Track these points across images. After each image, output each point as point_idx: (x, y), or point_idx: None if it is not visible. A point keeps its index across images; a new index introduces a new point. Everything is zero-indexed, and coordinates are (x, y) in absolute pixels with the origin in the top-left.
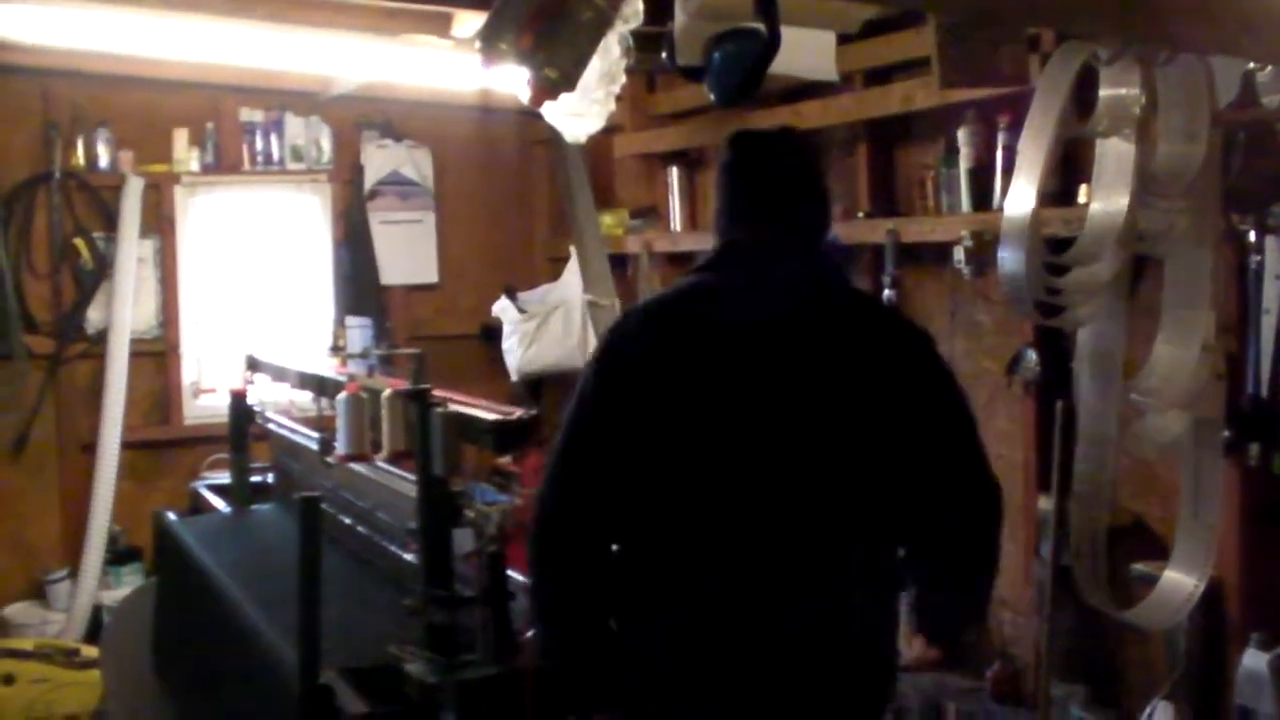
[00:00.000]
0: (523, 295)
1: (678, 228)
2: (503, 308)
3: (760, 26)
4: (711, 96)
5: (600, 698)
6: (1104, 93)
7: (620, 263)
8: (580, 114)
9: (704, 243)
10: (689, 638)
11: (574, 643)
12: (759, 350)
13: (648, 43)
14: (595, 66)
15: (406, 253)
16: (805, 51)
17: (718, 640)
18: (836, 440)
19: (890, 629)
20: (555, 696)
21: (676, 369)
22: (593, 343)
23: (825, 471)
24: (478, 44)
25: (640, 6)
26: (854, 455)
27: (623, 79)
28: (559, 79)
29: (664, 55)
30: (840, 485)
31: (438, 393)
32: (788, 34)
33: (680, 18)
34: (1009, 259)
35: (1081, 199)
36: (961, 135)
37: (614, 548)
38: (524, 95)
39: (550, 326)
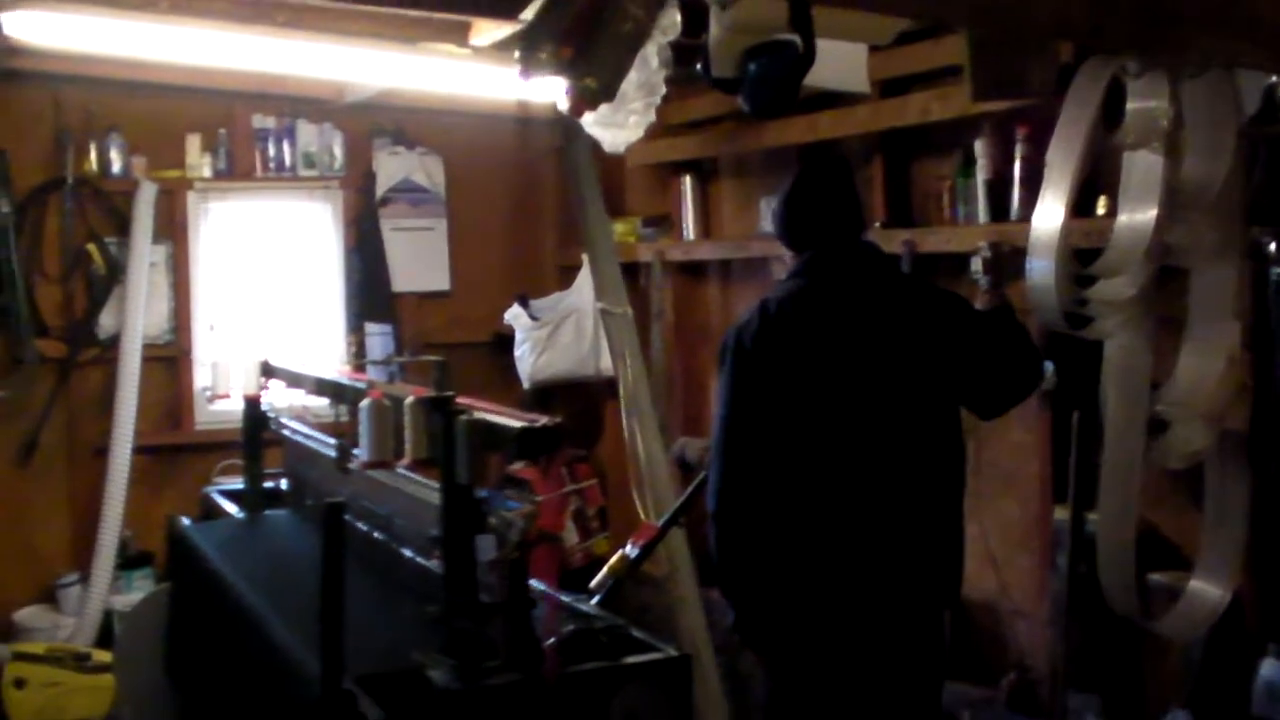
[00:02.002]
0: (535, 303)
1: (690, 236)
2: (515, 315)
3: (795, 38)
4: (746, 108)
5: (763, 636)
6: (1131, 105)
7: (632, 271)
8: (619, 125)
9: (717, 251)
10: (818, 566)
11: (749, 585)
12: (846, 331)
13: (683, 55)
14: (633, 78)
15: (418, 260)
16: (837, 63)
17: (841, 562)
18: (913, 386)
19: (958, 537)
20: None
21: (789, 355)
22: (605, 350)
23: (909, 414)
24: (517, 54)
25: (678, 19)
26: (926, 395)
27: (662, 90)
28: (598, 90)
29: (699, 67)
30: (923, 426)
31: (460, 400)
32: (820, 46)
33: (715, 30)
34: (1038, 270)
35: (1100, 210)
36: (978, 146)
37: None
38: (563, 105)
39: (562, 334)
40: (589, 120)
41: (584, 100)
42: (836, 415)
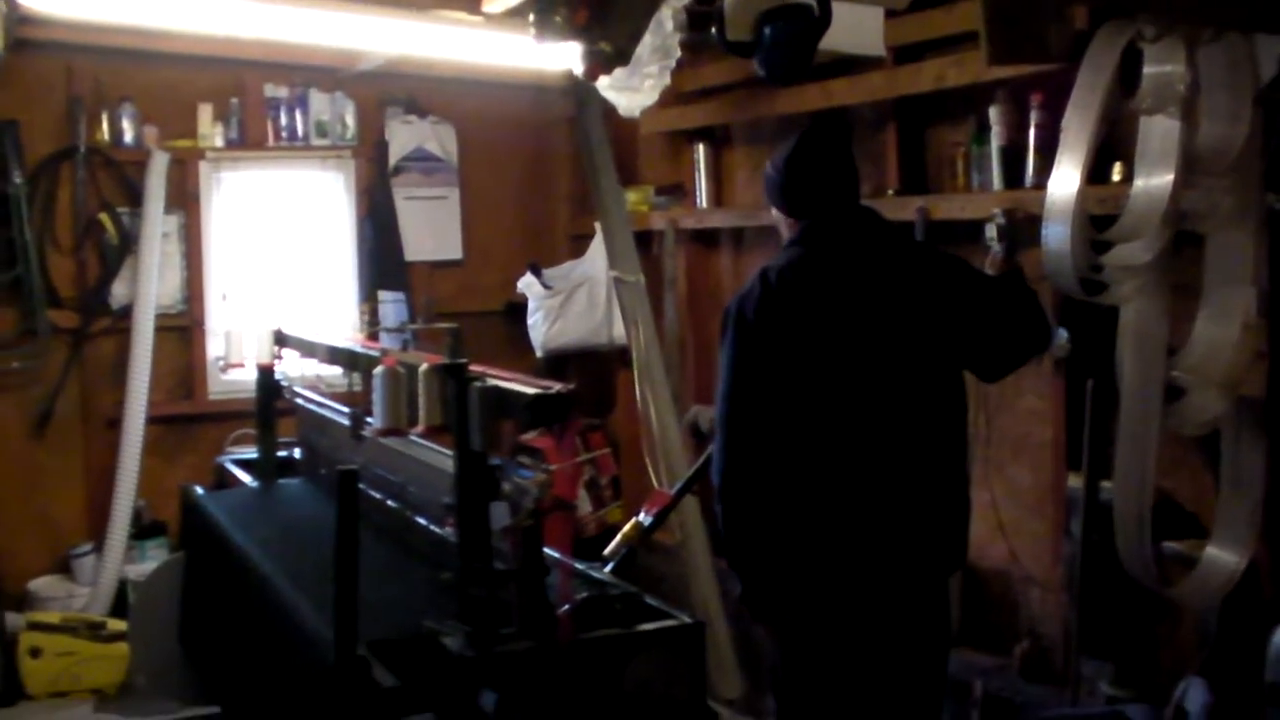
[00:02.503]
0: (548, 271)
1: (704, 204)
2: (528, 283)
3: (811, 2)
4: (761, 73)
5: (770, 608)
6: (1148, 70)
7: (645, 239)
8: (634, 89)
9: (730, 219)
10: (824, 536)
11: (755, 558)
12: (848, 298)
13: (698, 19)
14: (648, 41)
15: (430, 229)
16: (853, 27)
17: (846, 530)
18: (915, 350)
19: (964, 503)
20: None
21: (791, 323)
22: (618, 318)
23: (913, 380)
24: (531, 18)
25: None
26: (930, 360)
27: (677, 53)
28: (613, 53)
29: (714, 31)
30: (927, 391)
31: (474, 367)
32: (835, 9)
33: None
34: (1054, 236)
35: (1115, 177)
36: (993, 113)
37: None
38: (578, 69)
39: (575, 302)
40: (604, 84)
41: (599, 64)
42: (840, 383)
